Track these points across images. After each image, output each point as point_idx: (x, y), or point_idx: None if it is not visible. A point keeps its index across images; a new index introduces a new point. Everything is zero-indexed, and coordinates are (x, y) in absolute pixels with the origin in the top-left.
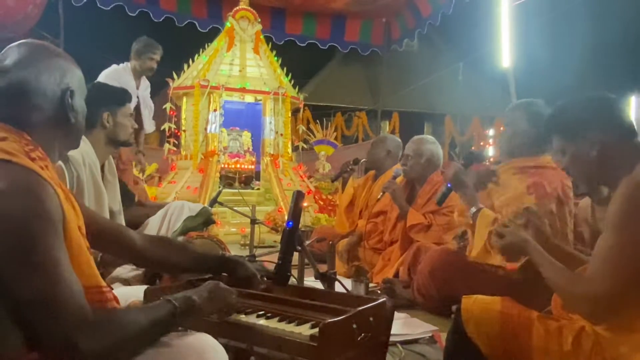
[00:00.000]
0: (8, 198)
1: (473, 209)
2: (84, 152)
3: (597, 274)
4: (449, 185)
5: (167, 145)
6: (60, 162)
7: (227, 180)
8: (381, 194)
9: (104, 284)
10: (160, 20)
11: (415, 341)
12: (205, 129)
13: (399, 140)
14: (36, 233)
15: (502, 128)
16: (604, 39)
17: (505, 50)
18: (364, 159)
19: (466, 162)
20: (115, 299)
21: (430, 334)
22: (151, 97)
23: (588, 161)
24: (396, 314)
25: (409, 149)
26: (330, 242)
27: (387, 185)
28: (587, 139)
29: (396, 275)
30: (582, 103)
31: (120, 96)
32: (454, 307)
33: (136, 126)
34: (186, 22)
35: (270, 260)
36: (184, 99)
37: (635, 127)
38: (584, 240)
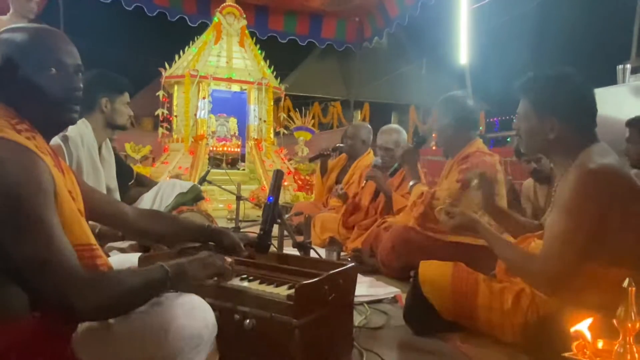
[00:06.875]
0: None
1: (411, 183)
2: (83, 134)
3: (553, 254)
4: (398, 162)
5: (160, 129)
6: (60, 142)
7: (215, 161)
8: (364, 182)
9: (94, 242)
10: (154, 14)
11: (379, 301)
12: (195, 114)
13: (370, 127)
14: (27, 200)
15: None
16: (551, 40)
17: (463, 48)
18: (339, 144)
19: (417, 144)
20: (105, 257)
21: (392, 295)
22: (145, 85)
23: (543, 139)
24: (363, 278)
25: (388, 142)
26: (307, 216)
27: (371, 174)
28: (551, 121)
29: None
30: (561, 83)
31: (119, 84)
32: (412, 272)
33: (132, 113)
34: (177, 17)
35: (253, 232)
36: (176, 87)
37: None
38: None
